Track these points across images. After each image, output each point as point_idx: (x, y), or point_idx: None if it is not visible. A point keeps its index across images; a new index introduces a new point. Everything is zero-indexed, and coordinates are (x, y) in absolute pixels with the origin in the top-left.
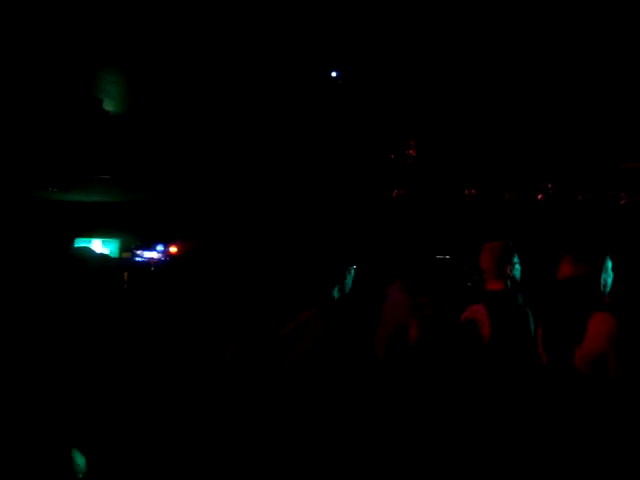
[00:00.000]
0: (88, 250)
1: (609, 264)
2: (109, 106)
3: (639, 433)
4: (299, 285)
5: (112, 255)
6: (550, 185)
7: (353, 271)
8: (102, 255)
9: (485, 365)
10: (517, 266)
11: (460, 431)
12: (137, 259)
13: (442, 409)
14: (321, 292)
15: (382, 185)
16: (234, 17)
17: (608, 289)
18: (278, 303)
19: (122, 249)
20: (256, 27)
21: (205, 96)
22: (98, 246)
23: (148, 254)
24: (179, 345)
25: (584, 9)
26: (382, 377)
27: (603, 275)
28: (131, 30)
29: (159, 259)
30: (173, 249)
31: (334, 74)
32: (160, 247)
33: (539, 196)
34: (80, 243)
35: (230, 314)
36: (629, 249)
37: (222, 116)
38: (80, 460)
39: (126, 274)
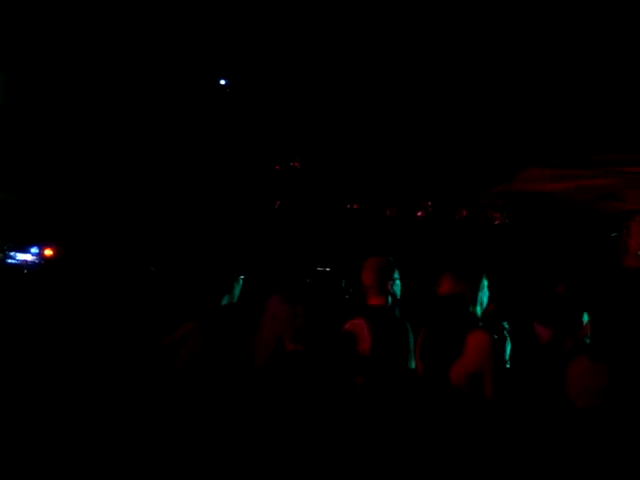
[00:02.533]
0: None
1: (485, 283)
2: None
3: (512, 441)
4: (186, 294)
5: None
6: (430, 203)
7: (241, 281)
8: None
9: (366, 377)
10: (397, 282)
11: (336, 440)
12: (9, 261)
13: (319, 420)
14: (209, 302)
15: (265, 195)
16: (124, 22)
17: (484, 307)
18: (163, 311)
19: None
20: (145, 33)
21: (84, 97)
22: None
23: (22, 256)
24: (50, 349)
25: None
26: (260, 388)
27: (479, 293)
28: None
29: (33, 262)
30: (48, 252)
31: (223, 82)
32: (35, 249)
33: (419, 213)
34: None
35: (108, 320)
36: (502, 268)
37: (105, 117)
38: None
39: None
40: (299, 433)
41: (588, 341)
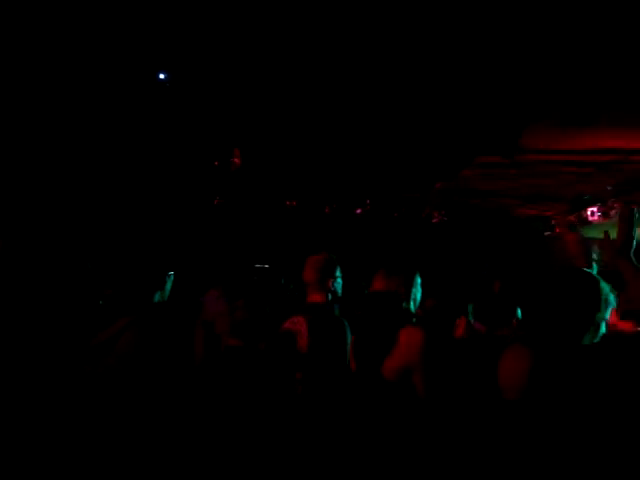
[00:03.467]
0: None
1: (418, 280)
2: None
3: (445, 437)
4: (117, 290)
5: None
6: (368, 201)
7: (172, 277)
8: None
9: (303, 374)
10: (339, 280)
11: (274, 434)
12: None
13: (259, 414)
14: (140, 298)
15: (204, 191)
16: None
17: (417, 303)
18: (92, 308)
19: None
20: (79, 23)
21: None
22: None
23: None
24: None
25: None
26: (200, 385)
27: (413, 290)
28: None
29: None
30: None
31: (162, 76)
32: None
33: (357, 211)
34: None
35: (34, 318)
36: (440, 265)
37: (37, 110)
38: None
39: None
40: (238, 431)
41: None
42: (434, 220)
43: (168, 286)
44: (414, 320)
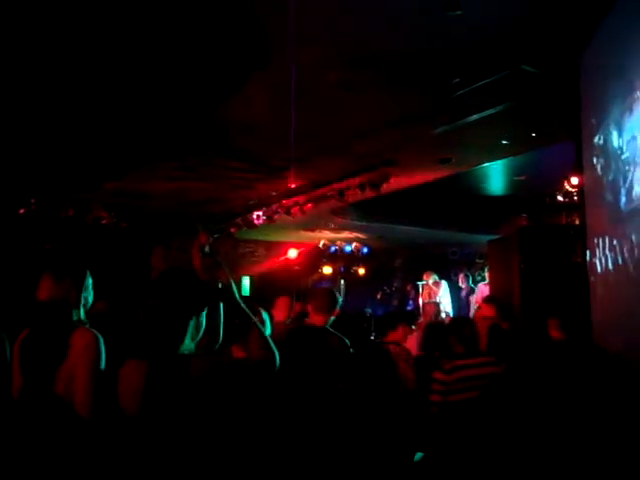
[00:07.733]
0: None
1: (89, 281)
2: None
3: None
4: None
5: None
6: (33, 200)
7: None
8: None
9: None
10: None
11: None
12: None
13: None
14: None
15: None
16: None
17: (89, 307)
18: None
19: None
20: None
21: None
22: None
23: None
24: None
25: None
26: None
27: (84, 294)
28: None
29: None
30: None
31: None
32: None
33: (21, 210)
34: None
35: None
36: (109, 267)
37: None
38: None
39: None
40: None
41: None
42: (103, 221)
43: None
44: (87, 326)
